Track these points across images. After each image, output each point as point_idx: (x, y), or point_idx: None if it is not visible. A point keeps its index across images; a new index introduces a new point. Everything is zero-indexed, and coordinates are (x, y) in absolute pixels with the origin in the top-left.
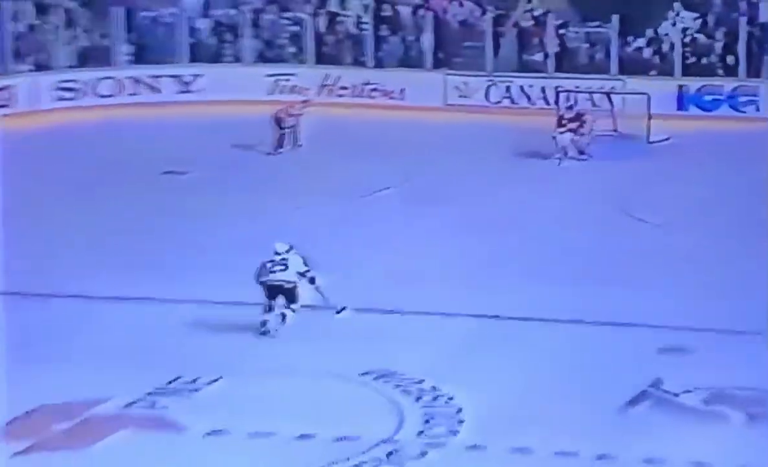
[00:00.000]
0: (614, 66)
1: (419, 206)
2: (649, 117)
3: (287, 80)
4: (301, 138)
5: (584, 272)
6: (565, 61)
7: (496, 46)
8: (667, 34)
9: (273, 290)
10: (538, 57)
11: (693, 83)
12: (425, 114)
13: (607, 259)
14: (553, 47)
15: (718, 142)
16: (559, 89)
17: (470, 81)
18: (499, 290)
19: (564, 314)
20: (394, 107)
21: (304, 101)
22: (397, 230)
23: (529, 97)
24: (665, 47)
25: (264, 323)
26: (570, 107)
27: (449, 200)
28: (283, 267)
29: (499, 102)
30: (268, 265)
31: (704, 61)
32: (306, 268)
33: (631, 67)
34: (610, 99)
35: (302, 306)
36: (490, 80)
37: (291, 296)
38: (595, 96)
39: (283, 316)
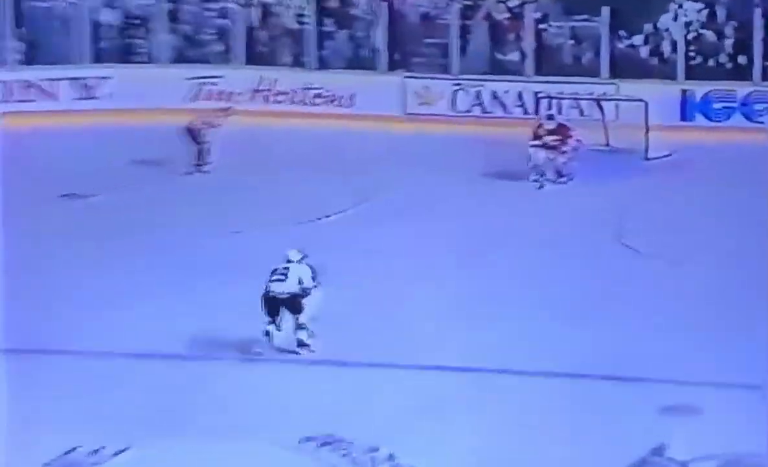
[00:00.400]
0: (605, 68)
1: (375, 234)
2: (647, 129)
3: (213, 84)
4: (211, 157)
5: (570, 314)
6: (546, 62)
7: (464, 44)
8: (667, 30)
9: (271, 304)
10: (514, 56)
11: (699, 88)
12: (380, 125)
13: (598, 298)
14: (531, 45)
15: (729, 158)
16: (540, 95)
17: (433, 85)
18: (471, 336)
19: (548, 366)
20: (342, 117)
21: (225, 109)
22: (349, 261)
23: (503, 105)
24: (665, 45)
25: (267, 333)
26: (551, 117)
27: (410, 228)
28: (282, 278)
29: (468, 111)
30: (272, 274)
31: (712, 62)
32: (311, 282)
33: (625, 68)
34: (600, 107)
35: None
36: (458, 84)
37: (293, 307)
38: (583, 103)
39: (300, 342)
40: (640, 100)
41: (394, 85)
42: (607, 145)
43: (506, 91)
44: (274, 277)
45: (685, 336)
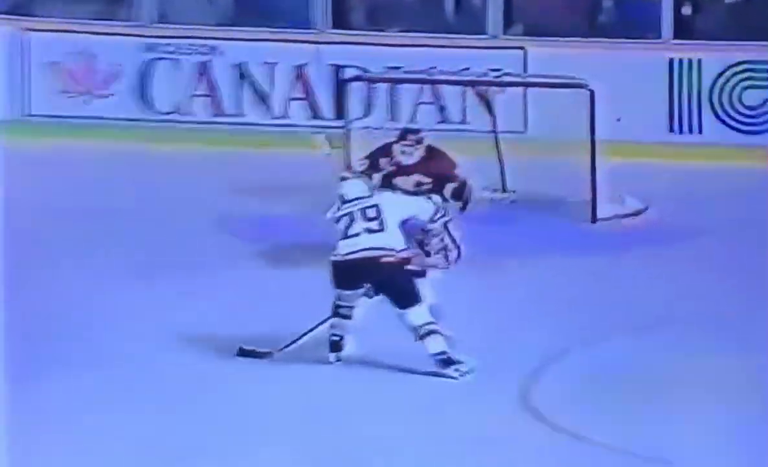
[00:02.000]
0: (496, 14)
1: None
2: (594, 151)
3: None
4: None
5: None
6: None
7: None
8: None
9: (353, 277)
10: None
11: (709, 57)
12: None
13: None
14: None
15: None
16: (347, 75)
17: (87, 45)
18: None
19: None
20: None
21: None
22: None
23: (263, 98)
24: None
25: (337, 342)
26: (413, 133)
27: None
28: (373, 224)
29: (173, 111)
30: (341, 223)
31: None
32: (438, 216)
33: (540, 15)
34: (487, 103)
35: None
36: (151, 49)
37: (401, 293)
38: (446, 93)
39: (446, 358)
40: (578, 83)
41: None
42: (504, 190)
43: (270, 64)
44: (357, 228)
45: None
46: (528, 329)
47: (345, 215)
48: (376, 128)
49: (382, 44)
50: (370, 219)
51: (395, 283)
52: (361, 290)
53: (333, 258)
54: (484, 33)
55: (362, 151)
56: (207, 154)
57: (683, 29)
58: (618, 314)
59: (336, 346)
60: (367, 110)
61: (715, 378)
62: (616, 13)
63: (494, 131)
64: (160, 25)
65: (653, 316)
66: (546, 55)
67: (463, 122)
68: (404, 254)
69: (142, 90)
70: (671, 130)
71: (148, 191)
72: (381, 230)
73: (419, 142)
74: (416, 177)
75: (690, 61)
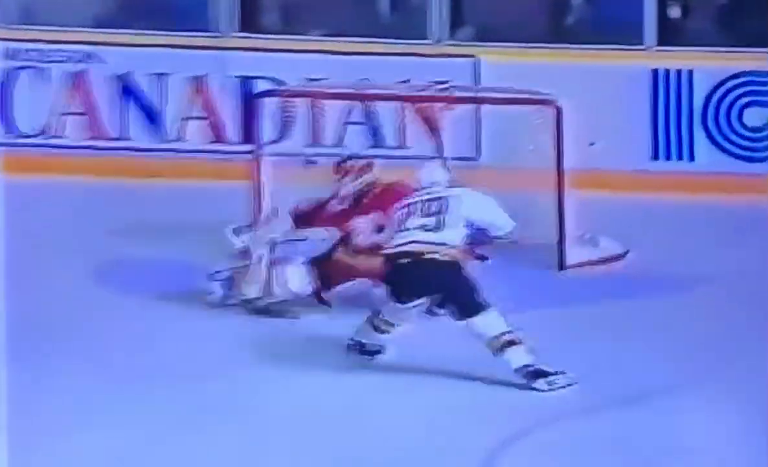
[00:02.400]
0: (441, 21)
1: None
2: (561, 182)
3: None
4: None
5: None
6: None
7: None
8: None
9: (404, 278)
10: None
11: (701, 68)
12: None
13: None
14: None
15: None
16: (255, 90)
17: None
18: None
19: None
20: None
21: None
22: None
23: (151, 116)
24: None
25: (352, 346)
26: (353, 161)
27: None
28: (430, 220)
29: (39, 133)
30: (399, 214)
31: None
32: (502, 222)
33: (494, 19)
34: (431, 125)
35: None
36: (11, 56)
37: (447, 293)
38: (382, 110)
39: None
40: (542, 99)
41: None
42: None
43: (161, 75)
44: (413, 221)
45: None
46: (462, 391)
47: (408, 204)
48: (293, 155)
49: (300, 51)
50: (429, 214)
51: (447, 285)
52: (414, 307)
53: (384, 253)
54: (426, 38)
55: (275, 181)
56: (82, 185)
57: (670, 34)
58: (590, 380)
59: (352, 349)
60: (283, 132)
61: (711, 452)
62: (589, 13)
63: (440, 158)
64: (22, 25)
65: (633, 381)
66: (503, 64)
67: (401, 146)
68: (456, 252)
69: (0, 107)
70: (656, 156)
71: (7, 231)
72: (436, 229)
73: (364, 171)
74: (373, 217)
75: (678, 73)
